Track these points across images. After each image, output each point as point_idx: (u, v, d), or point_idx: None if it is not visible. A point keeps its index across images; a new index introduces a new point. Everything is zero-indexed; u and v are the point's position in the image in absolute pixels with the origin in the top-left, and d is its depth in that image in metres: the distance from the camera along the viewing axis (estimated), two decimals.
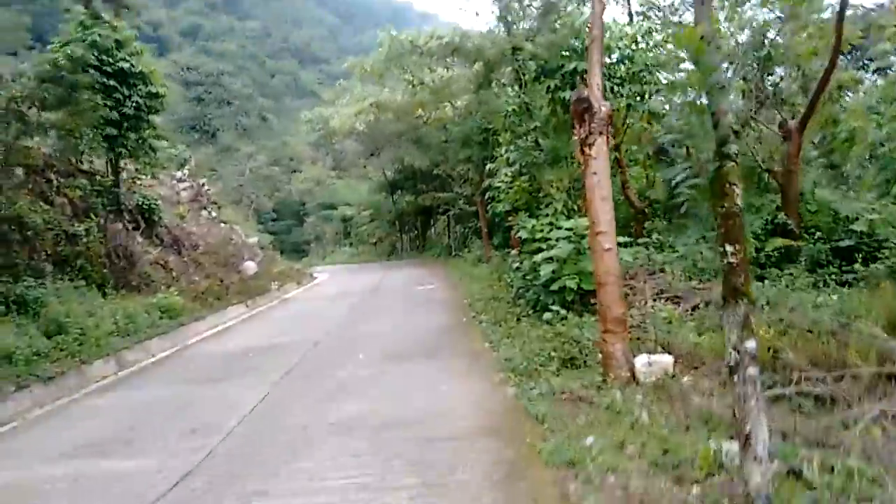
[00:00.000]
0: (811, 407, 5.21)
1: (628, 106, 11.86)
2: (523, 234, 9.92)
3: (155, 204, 19.48)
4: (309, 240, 61.18)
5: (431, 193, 30.50)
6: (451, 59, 18.12)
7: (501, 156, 13.81)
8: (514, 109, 10.72)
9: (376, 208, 41.27)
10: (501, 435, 5.53)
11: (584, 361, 7.30)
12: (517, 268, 11.28)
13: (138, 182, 19.75)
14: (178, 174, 29.86)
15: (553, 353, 7.62)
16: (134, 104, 16.50)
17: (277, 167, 66.58)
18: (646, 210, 14.47)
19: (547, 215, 10.00)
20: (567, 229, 9.02)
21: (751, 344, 3.78)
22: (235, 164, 56.00)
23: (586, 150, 6.43)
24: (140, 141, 17.64)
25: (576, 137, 6.52)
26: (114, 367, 10.65)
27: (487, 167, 13.42)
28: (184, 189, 28.66)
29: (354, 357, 9.35)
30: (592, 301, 8.77)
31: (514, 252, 12.95)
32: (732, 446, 4.47)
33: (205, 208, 29.08)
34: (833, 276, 8.91)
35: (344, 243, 51.21)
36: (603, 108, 6.36)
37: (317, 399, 7.17)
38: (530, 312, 9.88)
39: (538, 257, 9.21)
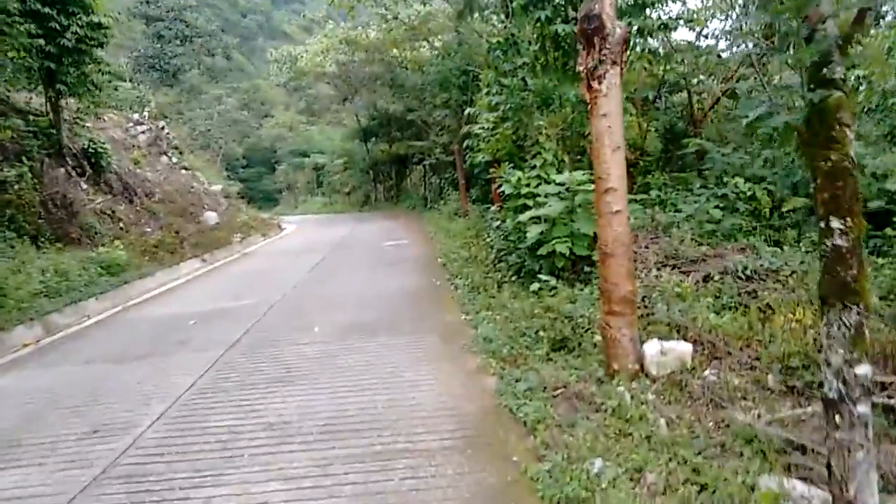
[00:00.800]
0: None
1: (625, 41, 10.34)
2: (506, 189, 8.52)
3: (103, 148, 17.62)
4: (281, 188, 59.04)
5: (406, 141, 28.73)
6: None
7: (482, 99, 12.29)
8: (498, 42, 9.16)
9: (350, 156, 39.33)
10: (479, 450, 4.27)
11: (579, 343, 6.04)
12: (498, 226, 9.93)
13: (84, 124, 17.86)
14: (136, 116, 27.76)
15: (542, 333, 6.34)
16: (74, 35, 14.52)
17: (248, 112, 63.71)
18: (638, 162, 13.14)
19: (534, 167, 8.60)
20: (558, 184, 7.63)
21: (863, 370, 2.50)
22: (202, 107, 53.11)
23: (594, 84, 5.00)
24: (82, 77, 15.72)
25: (581, 68, 5.08)
26: (39, 332, 9.23)
27: (467, 112, 11.88)
28: (142, 132, 26.68)
29: (309, 330, 8.01)
30: (587, 269, 7.50)
31: (494, 208, 11.57)
32: (806, 490, 3.25)
33: (165, 153, 27.13)
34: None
35: (317, 192, 49.27)
36: (618, 30, 4.91)
37: (254, 390, 5.83)
38: (513, 279, 8.57)
39: (524, 216, 7.84)
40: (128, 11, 41.01)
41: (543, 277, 7.26)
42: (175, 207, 21.03)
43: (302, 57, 24.32)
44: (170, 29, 37.45)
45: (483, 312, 7.70)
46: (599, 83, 4.98)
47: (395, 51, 20.17)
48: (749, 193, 8.52)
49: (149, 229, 17.82)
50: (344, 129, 40.78)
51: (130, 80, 38.65)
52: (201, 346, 7.62)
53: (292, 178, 54.36)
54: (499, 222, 10.02)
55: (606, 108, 5.01)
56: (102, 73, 16.14)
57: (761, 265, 6.84)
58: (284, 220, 33.37)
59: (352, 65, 26.24)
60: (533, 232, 7.55)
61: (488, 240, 10.95)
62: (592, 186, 7.46)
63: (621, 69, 5.06)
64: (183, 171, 27.10)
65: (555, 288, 7.17)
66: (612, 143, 5.05)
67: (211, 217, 22.25)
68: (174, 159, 27.62)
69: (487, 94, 11.49)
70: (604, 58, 4.92)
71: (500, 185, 9.13)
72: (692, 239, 7.58)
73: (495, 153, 11.57)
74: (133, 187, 19.49)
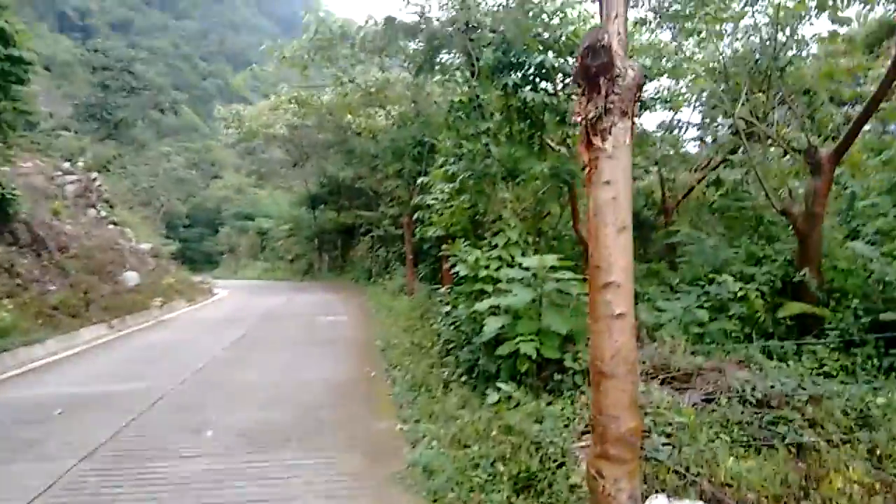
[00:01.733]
0: None
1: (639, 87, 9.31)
2: (461, 270, 7.02)
3: (12, 194, 15.47)
4: (223, 250, 56.43)
5: (355, 211, 27.25)
6: (387, 58, 15.23)
7: (438, 169, 10.96)
8: (461, 102, 7.91)
9: (296, 223, 37.56)
10: None
11: (550, 484, 4.42)
12: (448, 313, 8.36)
13: None
14: (66, 165, 25.65)
15: (501, 466, 4.69)
16: None
17: (196, 171, 61.62)
18: None
19: (495, 246, 7.17)
20: (524, 268, 6.17)
21: None
22: (147, 163, 50.81)
23: (596, 141, 3.61)
24: None
25: (578, 118, 3.69)
26: None
27: (420, 182, 10.51)
28: (70, 182, 24.48)
29: (200, 434, 6.13)
30: (557, 376, 5.96)
31: (443, 290, 10.03)
32: None
33: (93, 206, 24.92)
34: (872, 361, 6.46)
35: (259, 257, 46.95)
36: (630, 72, 3.58)
37: None
38: (464, 379, 6.93)
39: (481, 304, 6.30)
40: (74, 58, 39.26)
41: (503, 387, 5.65)
42: (91, 264, 18.78)
43: (249, 116, 22.85)
44: (116, 80, 35.62)
45: (424, 423, 6.00)
46: (603, 140, 3.60)
47: (349, 116, 18.93)
48: (740, 294, 7.25)
49: (53, 287, 15.51)
50: (293, 194, 39.19)
51: (67, 130, 36.47)
52: (49, 453, 5.64)
53: (235, 241, 51.98)
54: (448, 307, 8.46)
55: (611, 174, 3.61)
56: (18, 112, 14.27)
57: (771, 386, 5.44)
58: (220, 284, 31.09)
59: (303, 129, 24.96)
60: (491, 325, 6.00)
61: (435, 326, 9.34)
62: (565, 274, 6.05)
63: (633, 123, 3.69)
64: (110, 227, 24.87)
65: (515, 400, 5.56)
66: (617, 222, 3.63)
67: (131, 277, 20.00)
68: (103, 213, 25.43)
69: (444, 163, 10.17)
70: (611, 106, 3.55)
71: (452, 265, 7.64)
72: (685, 344, 6.15)
73: (448, 227, 10.16)
74: (44, 240, 17.21)
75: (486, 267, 6.84)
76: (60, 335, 12.92)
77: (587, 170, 3.72)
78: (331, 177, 28.40)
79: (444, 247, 9.99)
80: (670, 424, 4.71)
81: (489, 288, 6.74)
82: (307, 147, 28.41)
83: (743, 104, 8.04)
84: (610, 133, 3.62)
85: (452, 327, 7.88)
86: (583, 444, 4.94)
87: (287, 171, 34.52)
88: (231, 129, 26.07)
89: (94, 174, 26.70)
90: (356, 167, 22.60)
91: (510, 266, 6.85)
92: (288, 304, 20.21)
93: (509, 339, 6.05)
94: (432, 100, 16.82)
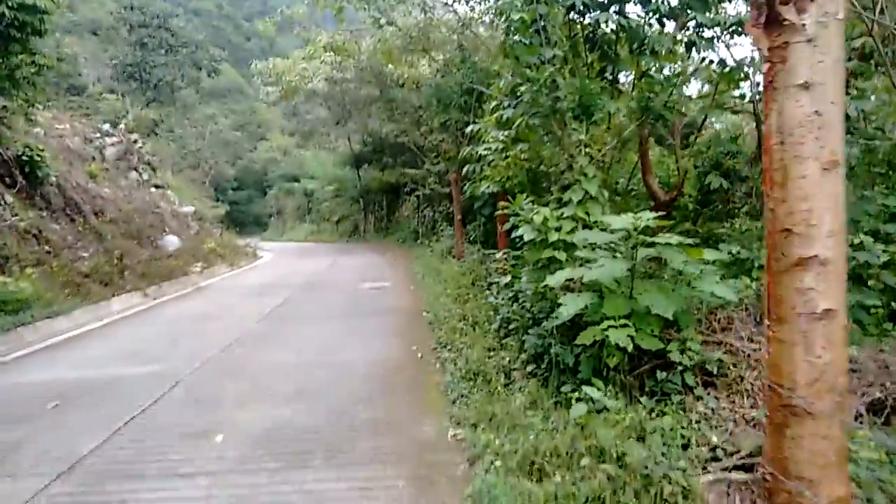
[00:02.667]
0: None
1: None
2: (524, 233, 5.53)
3: (39, 155, 14.60)
4: (271, 213, 56.15)
5: (399, 169, 25.84)
6: None
7: (489, 115, 9.42)
8: (522, 21, 6.27)
9: (341, 183, 36.50)
10: None
11: None
12: (507, 284, 6.92)
13: (24, 128, 15.04)
14: (106, 126, 24.90)
15: None
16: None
17: (243, 133, 61.09)
18: (673, 205, 10.27)
19: (567, 202, 5.65)
20: (614, 230, 4.67)
21: None
22: (193, 126, 50.40)
23: (786, 13, 2.06)
24: (11, 70, 12.91)
25: None
26: None
27: (469, 130, 8.96)
28: (110, 144, 23.76)
29: (208, 439, 4.94)
30: (660, 374, 4.49)
31: (500, 254, 8.55)
32: None
33: (135, 169, 24.25)
34: None
35: (306, 219, 46.30)
36: None
37: None
38: (531, 369, 5.51)
39: (554, 278, 4.82)
40: (112, 17, 38.39)
41: (592, 394, 4.20)
42: (129, 229, 18.06)
43: (285, 68, 21.47)
44: (153, 37, 34.65)
45: (483, 430, 4.64)
46: (800, 11, 2.04)
47: (389, 66, 17.36)
48: (884, 259, 5.58)
49: (85, 254, 14.72)
50: (337, 154, 38.04)
51: (113, 93, 35.94)
52: (20, 467, 4.53)
53: (282, 203, 51.45)
54: (507, 278, 7.00)
55: (811, 72, 2.08)
56: (39, 68, 13.22)
57: None
58: (266, 247, 30.41)
59: (343, 84, 23.51)
60: (570, 306, 4.53)
61: (491, 298, 7.90)
62: (668, 238, 4.52)
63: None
64: (152, 190, 24.20)
65: (613, 411, 4.11)
66: (823, 153, 2.10)
67: (171, 242, 19.22)
68: (145, 176, 24.76)
69: (497, 108, 8.59)
70: None
71: (511, 226, 6.15)
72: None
73: (504, 182, 8.64)
74: (78, 204, 16.44)
75: (558, 229, 5.34)
76: (89, 305, 12.09)
77: (767, 67, 2.18)
78: (373, 134, 26.99)
79: (499, 205, 8.52)
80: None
81: (561, 256, 5.25)
82: (349, 104, 27.03)
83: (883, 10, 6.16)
84: (809, 6, 2.06)
85: (514, 303, 6.46)
86: (711, 477, 3.49)
87: (330, 130, 33.27)
88: (270, 88, 24.83)
89: (135, 136, 25.94)
90: (399, 122, 21.09)
91: (590, 227, 5.34)
92: (331, 268, 19.13)
93: (593, 322, 4.59)
94: (480, 42, 15.12)
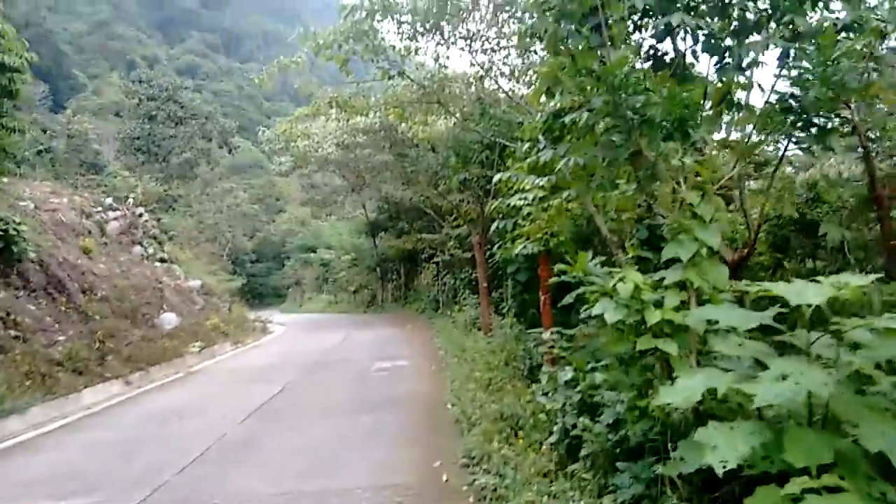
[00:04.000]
0: None
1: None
2: (607, 312, 3.50)
3: (16, 229, 12.96)
4: (289, 284, 54.60)
5: (416, 235, 24.04)
6: (449, 38, 12.03)
7: (520, 160, 7.50)
8: (574, 11, 4.39)
9: (358, 252, 34.83)
10: None
11: None
12: (569, 381, 4.80)
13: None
14: (108, 201, 23.61)
15: None
16: None
17: (260, 206, 60.38)
18: (744, 265, 8.15)
19: (666, 265, 3.61)
20: (777, 302, 2.64)
21: None
22: (212, 200, 49.66)
23: None
24: None
25: None
26: None
27: (496, 180, 7.03)
28: (113, 219, 22.38)
29: None
30: None
31: (548, 335, 6.42)
32: None
33: (139, 243, 22.73)
34: None
35: (323, 289, 44.54)
36: None
37: None
38: None
39: (677, 393, 2.73)
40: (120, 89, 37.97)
41: None
42: (122, 307, 16.24)
43: (290, 129, 20.09)
44: (162, 109, 34.02)
45: None
46: None
47: (403, 125, 15.81)
48: None
49: (62, 337, 12.84)
50: (353, 223, 36.60)
51: (129, 169, 35.21)
52: None
53: (300, 274, 49.88)
54: (568, 372, 4.90)
55: None
56: (9, 132, 11.73)
57: None
58: (280, 320, 28.55)
59: (357, 150, 22.09)
60: (722, 448, 2.43)
61: (541, 398, 5.72)
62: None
63: None
64: (157, 265, 22.59)
65: None
66: None
67: (168, 320, 17.37)
68: (150, 250, 23.20)
69: (531, 152, 6.71)
70: None
71: (571, 299, 4.12)
72: None
73: (546, 241, 6.66)
74: (62, 281, 14.68)
75: (658, 304, 3.32)
76: (53, 400, 10.13)
77: None
78: (389, 200, 25.42)
79: (540, 269, 6.53)
80: None
81: (670, 347, 3.18)
82: (363, 170, 25.70)
83: None
84: None
85: (584, 413, 4.34)
86: None
87: (345, 199, 31.92)
88: (283, 158, 23.51)
89: (140, 210, 24.61)
90: (415, 185, 19.46)
91: (705, 302, 3.31)
92: (344, 344, 17.08)
93: (763, 476, 2.47)
94: (500, 93, 13.51)
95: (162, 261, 23.51)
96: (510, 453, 5.35)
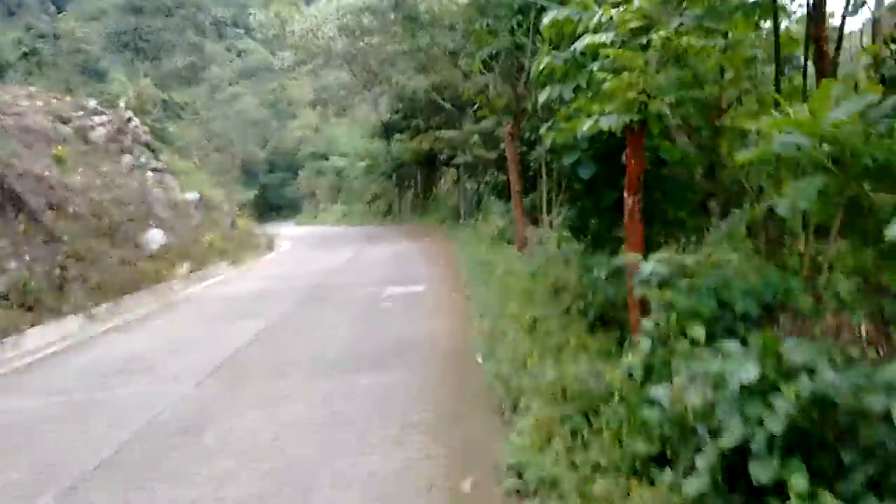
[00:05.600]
0: None
1: None
2: None
3: None
4: (304, 195, 52.14)
5: (433, 133, 21.01)
6: None
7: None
8: None
9: (371, 158, 31.95)
10: None
11: None
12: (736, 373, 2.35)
13: None
14: (92, 104, 20.96)
15: None
16: None
17: (273, 111, 56.82)
18: None
19: None
20: None
21: None
22: (219, 106, 46.61)
23: None
24: None
25: None
26: None
27: (547, 20, 4.23)
28: (99, 124, 19.82)
29: None
30: None
31: (648, 265, 3.85)
32: None
33: (129, 152, 20.24)
34: None
35: (338, 200, 42.07)
36: None
37: None
38: None
39: None
40: None
41: None
42: (99, 226, 13.98)
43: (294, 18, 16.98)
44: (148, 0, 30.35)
45: None
46: None
47: None
48: None
49: (14, 264, 10.67)
50: (366, 126, 33.52)
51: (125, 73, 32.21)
52: None
53: (314, 183, 47.23)
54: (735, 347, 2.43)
55: None
56: None
57: None
58: (290, 234, 26.32)
59: (365, 38, 18.90)
60: None
61: (660, 393, 3.27)
62: None
63: None
64: (149, 175, 20.17)
65: None
66: None
67: (154, 238, 15.13)
68: (142, 159, 20.72)
69: None
70: None
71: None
72: None
73: (640, 107, 3.95)
74: (21, 196, 12.38)
75: None
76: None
77: None
78: (402, 95, 22.32)
79: (625, 155, 3.92)
80: None
81: None
82: (374, 65, 22.52)
83: None
84: None
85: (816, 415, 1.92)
86: None
87: (356, 97, 28.77)
88: (280, 44, 20.40)
89: (129, 114, 21.93)
90: (431, 73, 16.42)
91: None
92: (353, 263, 14.77)
93: None
94: None
95: (154, 171, 21.08)
96: (573, 447, 3.01)
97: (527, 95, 10.94)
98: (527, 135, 12.16)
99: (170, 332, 8.59)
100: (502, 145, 14.78)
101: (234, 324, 8.57)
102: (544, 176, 11.27)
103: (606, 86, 3.89)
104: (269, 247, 20.73)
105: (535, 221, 11.47)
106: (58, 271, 10.99)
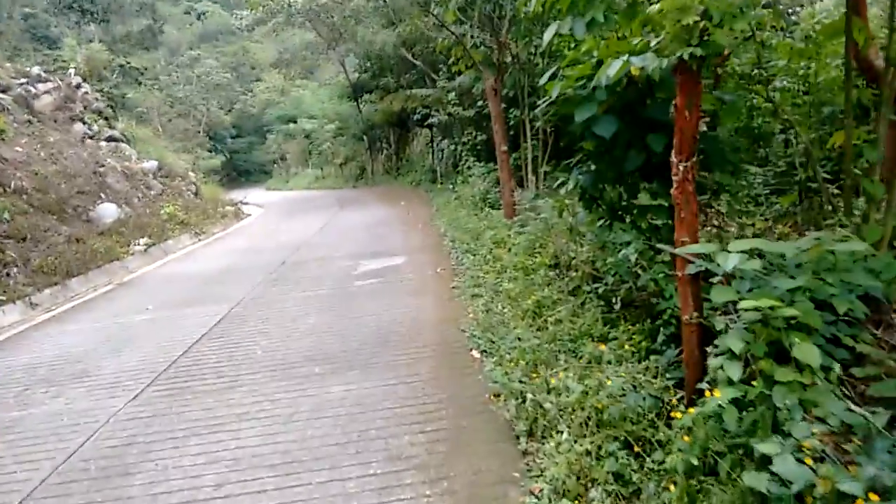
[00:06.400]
0: None
1: None
2: None
3: None
4: (274, 159, 50.04)
5: (404, 92, 19.49)
6: None
7: None
8: None
9: (342, 120, 30.25)
10: None
11: None
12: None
13: None
14: (36, 70, 19.10)
15: None
16: None
17: (233, 74, 53.96)
18: None
19: None
20: None
21: None
22: (180, 70, 43.97)
23: None
24: None
25: None
26: None
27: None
28: (44, 92, 18.08)
29: None
30: None
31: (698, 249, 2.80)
32: None
33: (80, 120, 18.54)
34: None
35: (309, 163, 40.28)
36: None
37: None
38: None
39: None
40: None
41: None
42: (45, 201, 12.63)
43: None
44: None
45: None
46: None
47: None
48: None
49: None
50: (333, 87, 31.67)
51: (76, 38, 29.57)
52: None
53: (284, 147, 45.19)
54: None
55: None
56: None
57: None
58: (260, 200, 24.88)
59: None
60: None
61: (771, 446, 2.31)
62: None
63: None
64: (103, 144, 18.54)
65: None
66: None
67: (107, 212, 13.75)
68: (94, 128, 19.03)
69: None
70: None
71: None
72: None
73: (702, 38, 2.82)
74: None
75: None
76: None
77: None
78: (370, 53, 20.70)
79: (678, 105, 2.82)
80: None
81: None
82: (337, 22, 20.82)
83: None
84: None
85: None
86: None
87: (320, 55, 26.92)
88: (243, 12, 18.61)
89: (78, 80, 20.04)
90: (399, 28, 14.92)
91: None
92: (325, 232, 13.55)
93: None
94: None
95: (109, 140, 19.39)
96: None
97: (509, 45, 9.70)
98: (505, 91, 10.99)
99: (114, 322, 7.38)
100: (480, 102, 13.55)
101: (189, 311, 7.40)
102: (529, 134, 10.14)
103: (654, 8, 2.76)
104: (237, 216, 19.32)
105: (520, 183, 10.38)
106: None
